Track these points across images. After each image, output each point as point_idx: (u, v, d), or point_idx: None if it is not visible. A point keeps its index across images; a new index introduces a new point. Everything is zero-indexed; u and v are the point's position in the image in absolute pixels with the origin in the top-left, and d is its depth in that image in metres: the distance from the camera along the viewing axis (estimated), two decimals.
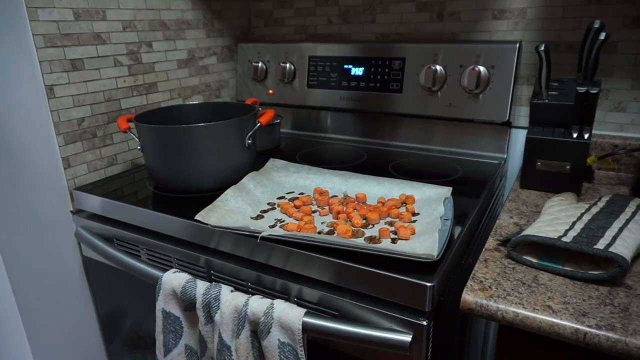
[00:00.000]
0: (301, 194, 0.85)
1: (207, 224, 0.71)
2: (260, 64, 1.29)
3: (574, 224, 0.63)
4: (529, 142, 0.83)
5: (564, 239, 0.58)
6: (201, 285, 0.69)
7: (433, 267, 0.58)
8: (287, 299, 0.67)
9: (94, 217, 0.90)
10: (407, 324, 0.57)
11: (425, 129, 1.11)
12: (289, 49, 1.25)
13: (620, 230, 0.60)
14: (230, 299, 0.66)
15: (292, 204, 0.79)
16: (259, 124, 0.90)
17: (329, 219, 0.75)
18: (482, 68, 0.98)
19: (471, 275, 0.60)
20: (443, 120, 1.08)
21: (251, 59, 1.31)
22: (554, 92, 0.86)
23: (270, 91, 1.30)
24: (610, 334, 0.47)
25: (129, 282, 0.90)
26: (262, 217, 0.76)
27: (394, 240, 0.66)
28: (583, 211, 0.67)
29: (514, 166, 1.09)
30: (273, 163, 0.97)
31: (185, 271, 0.75)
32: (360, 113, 1.19)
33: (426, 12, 1.11)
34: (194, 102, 1.03)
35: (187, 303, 0.69)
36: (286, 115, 1.30)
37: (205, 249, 0.75)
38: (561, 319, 0.50)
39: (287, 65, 1.24)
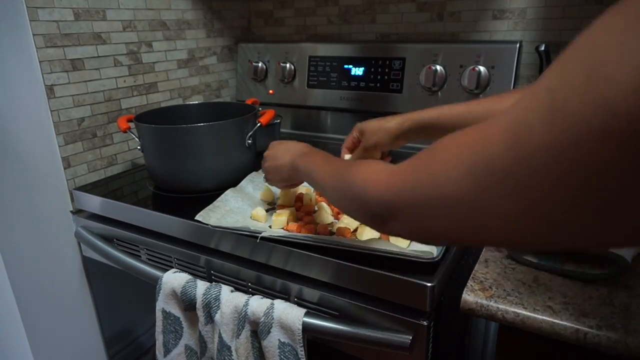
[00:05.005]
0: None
1: (207, 224, 0.71)
2: (260, 64, 1.28)
3: None
4: None
5: None
6: (201, 286, 0.69)
7: (433, 267, 0.58)
8: (287, 299, 0.67)
9: (94, 217, 0.90)
10: (407, 324, 0.57)
11: None
12: (289, 49, 1.25)
13: None
14: (230, 299, 0.66)
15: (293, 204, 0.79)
16: (259, 124, 0.90)
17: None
18: (482, 68, 0.98)
19: (471, 275, 0.60)
20: None
21: (251, 59, 1.31)
22: None
23: (270, 91, 1.30)
24: (611, 334, 0.47)
25: (129, 282, 0.90)
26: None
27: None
28: None
29: None
30: None
31: (185, 271, 0.75)
32: (361, 113, 1.19)
33: (426, 12, 1.11)
34: (194, 102, 1.03)
35: (187, 303, 0.69)
36: (286, 115, 1.30)
37: (205, 249, 0.75)
38: (562, 319, 0.50)
39: (287, 65, 1.24)
